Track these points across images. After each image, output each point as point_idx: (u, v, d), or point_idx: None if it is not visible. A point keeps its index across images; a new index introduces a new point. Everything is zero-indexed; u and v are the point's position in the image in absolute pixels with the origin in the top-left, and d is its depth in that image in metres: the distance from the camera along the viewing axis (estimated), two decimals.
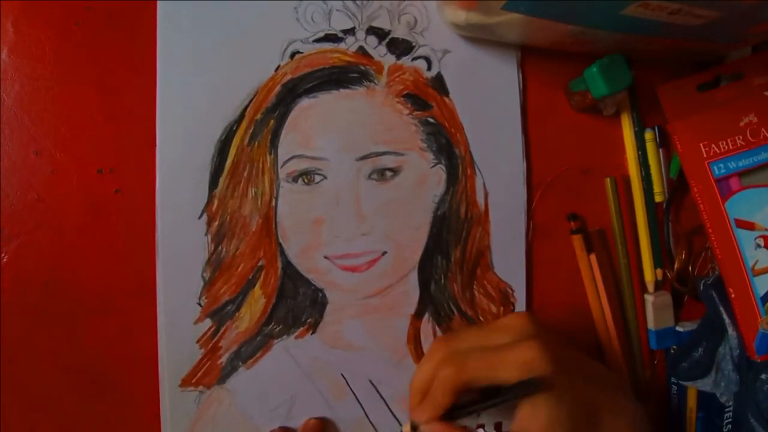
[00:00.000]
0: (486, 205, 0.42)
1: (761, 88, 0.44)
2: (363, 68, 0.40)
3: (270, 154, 0.39)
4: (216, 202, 0.38)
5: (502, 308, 0.43)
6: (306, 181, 0.40)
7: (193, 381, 0.38)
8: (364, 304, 0.41)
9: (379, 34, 0.40)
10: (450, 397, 0.33)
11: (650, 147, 0.45)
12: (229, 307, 0.39)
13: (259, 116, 0.39)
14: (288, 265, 0.40)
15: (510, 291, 0.43)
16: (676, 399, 0.46)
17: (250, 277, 0.39)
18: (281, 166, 0.39)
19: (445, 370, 0.33)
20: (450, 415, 0.34)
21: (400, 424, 0.41)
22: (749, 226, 0.43)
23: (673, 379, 0.46)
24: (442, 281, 0.42)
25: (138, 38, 0.38)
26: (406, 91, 0.41)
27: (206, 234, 0.38)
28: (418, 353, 0.42)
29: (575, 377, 0.33)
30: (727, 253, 0.43)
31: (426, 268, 0.41)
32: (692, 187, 0.43)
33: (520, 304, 0.43)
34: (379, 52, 0.40)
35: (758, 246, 0.43)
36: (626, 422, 0.34)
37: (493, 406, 0.34)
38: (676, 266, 0.45)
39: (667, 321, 0.45)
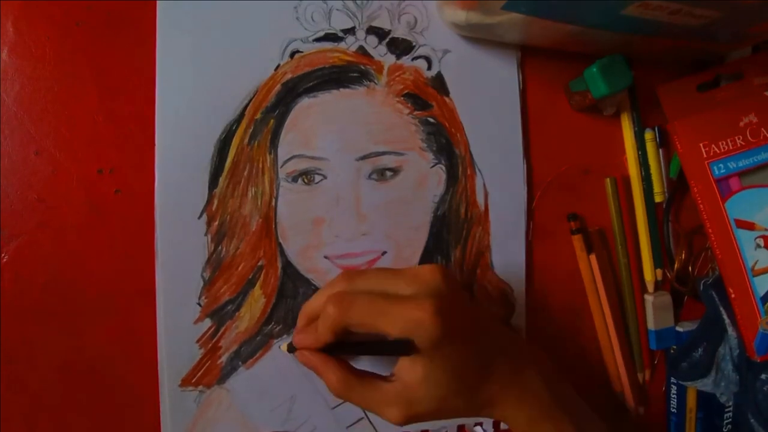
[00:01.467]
0: (486, 205, 0.42)
1: (761, 88, 0.44)
2: (363, 68, 0.40)
3: (270, 153, 0.39)
4: (216, 201, 0.38)
5: (503, 309, 0.43)
6: (306, 180, 0.40)
7: (193, 381, 0.38)
8: None
9: (379, 33, 0.40)
10: (329, 335, 0.32)
11: (650, 147, 0.45)
12: (229, 307, 0.39)
13: (258, 116, 0.39)
14: (288, 265, 0.40)
15: (509, 291, 0.43)
16: (676, 399, 0.46)
17: (250, 276, 0.39)
18: (281, 166, 0.39)
19: (330, 308, 0.32)
20: (329, 348, 0.34)
21: None
22: (749, 226, 0.43)
23: (673, 379, 0.46)
24: None
25: (138, 38, 0.38)
26: (406, 91, 0.41)
27: (206, 234, 0.38)
28: None
29: (469, 343, 0.32)
30: (727, 253, 0.43)
31: None
32: (692, 187, 0.43)
33: (519, 305, 0.43)
34: (379, 52, 0.40)
35: (758, 246, 0.43)
36: (517, 394, 0.33)
37: (366, 354, 0.35)
38: (676, 266, 0.46)
39: (667, 321, 0.45)
